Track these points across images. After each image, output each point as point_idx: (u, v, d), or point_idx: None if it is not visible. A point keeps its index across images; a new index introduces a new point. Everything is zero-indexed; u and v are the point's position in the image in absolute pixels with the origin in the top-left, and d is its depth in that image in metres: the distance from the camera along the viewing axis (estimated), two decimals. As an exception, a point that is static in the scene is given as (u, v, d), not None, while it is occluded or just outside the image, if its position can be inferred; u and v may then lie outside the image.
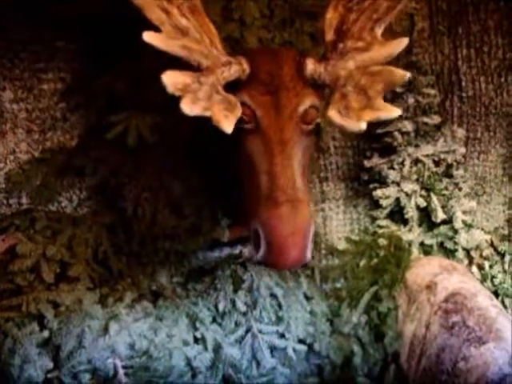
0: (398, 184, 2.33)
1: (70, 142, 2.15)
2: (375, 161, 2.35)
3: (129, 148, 1.96)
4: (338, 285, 2.24)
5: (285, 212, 1.41)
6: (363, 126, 1.39)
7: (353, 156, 2.43)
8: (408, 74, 1.42)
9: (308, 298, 2.16)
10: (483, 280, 2.29)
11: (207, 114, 1.34)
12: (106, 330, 1.86)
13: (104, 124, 1.99)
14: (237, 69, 1.49)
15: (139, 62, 1.97)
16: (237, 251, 2.19)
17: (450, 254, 2.28)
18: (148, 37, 1.34)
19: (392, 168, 2.32)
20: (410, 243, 2.30)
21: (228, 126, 1.35)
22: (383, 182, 2.35)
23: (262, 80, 1.53)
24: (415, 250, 2.30)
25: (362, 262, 2.25)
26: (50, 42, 2.07)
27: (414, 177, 2.32)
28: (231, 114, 1.39)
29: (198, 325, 2.01)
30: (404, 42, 1.50)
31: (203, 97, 1.35)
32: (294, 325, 2.07)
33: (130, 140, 1.94)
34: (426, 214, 2.33)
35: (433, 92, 2.31)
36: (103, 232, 2.07)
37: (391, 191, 2.33)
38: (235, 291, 2.05)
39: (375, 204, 2.38)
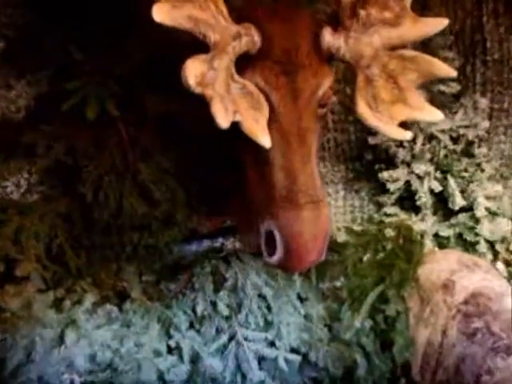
0: (409, 164, 2.27)
1: (16, 115, 2.03)
2: (381, 137, 2.27)
3: (88, 122, 1.85)
4: (338, 283, 2.17)
5: (307, 216, 1.43)
6: (408, 135, 1.40)
7: (354, 132, 2.36)
8: (455, 73, 1.41)
9: (302, 300, 2.11)
10: (510, 278, 2.21)
11: (238, 119, 1.34)
12: (61, 339, 1.84)
13: (58, 93, 1.86)
14: (247, 41, 1.42)
15: (100, 17, 1.85)
16: (218, 244, 2.17)
17: (470, 247, 2.24)
18: (157, 14, 1.28)
19: (401, 146, 2.26)
20: (422, 234, 2.25)
21: (265, 139, 1.35)
22: (391, 163, 2.30)
23: (275, 56, 1.47)
24: (429, 243, 2.25)
25: (366, 257, 2.18)
26: (-12, -8, 1.93)
27: (428, 156, 2.25)
28: (261, 116, 1.38)
29: (172, 332, 1.96)
30: (443, 22, 1.44)
31: (222, 89, 1.33)
32: (286, 331, 2.02)
33: (90, 112, 1.84)
34: (441, 200, 2.28)
35: (451, 55, 2.21)
36: (58, 222, 2.00)
37: (400, 173, 2.27)
38: (216, 291, 2.01)
39: (381, 188, 2.33)
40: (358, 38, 1.45)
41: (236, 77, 1.38)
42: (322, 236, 1.45)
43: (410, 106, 1.42)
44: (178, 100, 1.69)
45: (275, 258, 1.46)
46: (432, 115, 1.43)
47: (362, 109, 1.42)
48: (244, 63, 1.44)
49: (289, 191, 1.44)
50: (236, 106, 1.35)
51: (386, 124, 1.41)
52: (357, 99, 1.43)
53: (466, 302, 1.92)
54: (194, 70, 1.28)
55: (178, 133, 1.91)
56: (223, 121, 1.29)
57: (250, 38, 1.42)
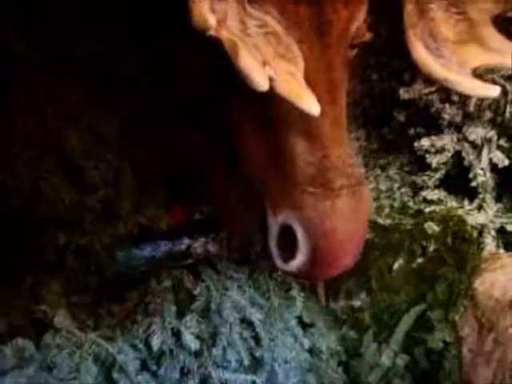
0: (459, 128, 2.11)
1: None
2: (419, 88, 2.13)
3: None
4: (357, 302, 2.04)
5: (344, 205, 1.37)
6: (495, 91, 1.32)
7: (379, 81, 2.26)
8: None
9: (306, 326, 1.97)
10: None
11: (270, 74, 1.21)
12: None
13: None
14: None
15: None
16: (182, 247, 2.03)
17: None
18: None
19: (448, 100, 2.09)
20: (480, 230, 2.09)
21: (314, 104, 1.22)
22: (433, 126, 2.14)
23: None
24: (490, 242, 2.07)
25: (398, 263, 2.04)
26: None
27: (488, 115, 2.08)
28: (296, 69, 1.27)
29: (115, 376, 1.77)
30: None
31: (237, 29, 1.25)
32: (282, 372, 1.88)
33: (-12, 55, 1.73)
34: (508, 180, 2.13)
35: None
36: None
37: (447, 141, 2.10)
38: (180, 316, 1.84)
39: (419, 163, 2.18)
40: None
41: (250, 9, 1.28)
42: (361, 232, 1.41)
43: (489, 48, 1.34)
44: (117, 35, 1.55)
45: (296, 264, 1.39)
46: None
47: (420, 52, 1.34)
48: None
49: (318, 170, 1.37)
50: (262, 54, 1.26)
51: (460, 75, 1.31)
52: (410, 39, 1.35)
53: (547, 328, 1.83)
54: (206, 3, 1.18)
55: (121, 84, 1.72)
56: (262, 79, 1.16)
57: None
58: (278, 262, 1.46)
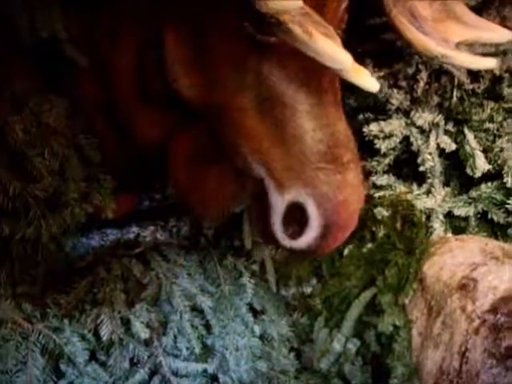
0: (407, 113, 2.15)
1: None
2: None
3: None
4: (308, 289, 2.08)
5: (352, 178, 1.46)
6: (492, 63, 1.39)
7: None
8: None
9: (257, 313, 2.01)
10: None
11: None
12: None
13: None
14: None
15: None
16: (130, 235, 2.13)
17: (499, 230, 2.13)
18: None
19: (396, 85, 2.15)
20: (429, 214, 2.13)
21: (372, 80, 1.30)
22: (381, 111, 2.17)
23: None
24: (438, 226, 2.12)
25: (348, 249, 2.07)
26: None
27: (435, 100, 2.13)
28: (339, 45, 1.29)
29: (63, 367, 1.77)
30: None
31: None
32: (234, 360, 1.90)
33: None
34: (455, 165, 2.16)
35: None
36: None
37: (395, 126, 2.13)
38: (130, 304, 1.87)
39: (368, 149, 2.18)
40: None
41: None
42: (362, 203, 1.50)
43: (466, 24, 1.40)
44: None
45: (306, 240, 1.45)
46: (499, 35, 1.39)
47: (413, 31, 1.38)
48: None
49: (328, 147, 1.43)
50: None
51: (456, 51, 1.35)
52: (398, 18, 1.39)
53: (493, 310, 1.80)
54: None
55: (66, 65, 1.76)
56: (345, 57, 1.21)
57: None
58: (285, 240, 1.49)
